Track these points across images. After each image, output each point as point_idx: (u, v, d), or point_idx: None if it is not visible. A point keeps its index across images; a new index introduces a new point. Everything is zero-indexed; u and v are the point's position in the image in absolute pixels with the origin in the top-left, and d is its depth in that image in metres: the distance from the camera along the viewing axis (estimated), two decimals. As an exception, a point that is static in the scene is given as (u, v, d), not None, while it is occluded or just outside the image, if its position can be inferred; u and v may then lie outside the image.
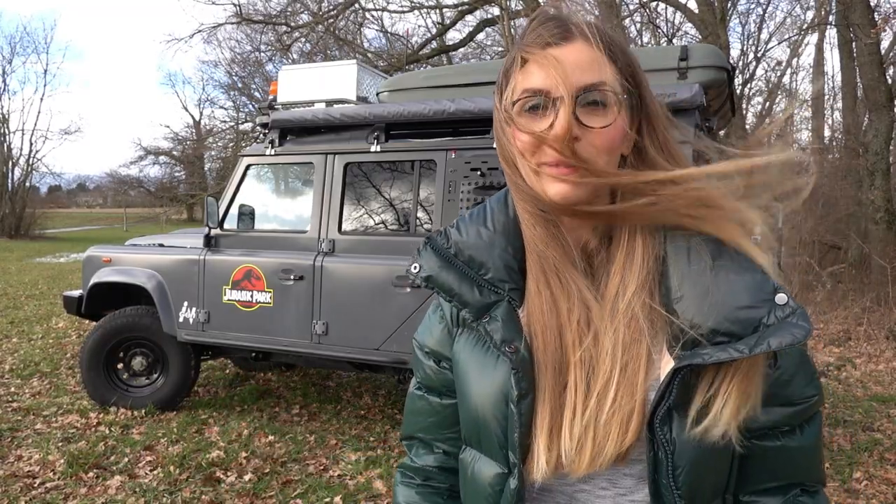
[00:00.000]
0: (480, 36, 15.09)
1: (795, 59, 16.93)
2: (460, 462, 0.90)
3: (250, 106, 23.68)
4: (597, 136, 0.72)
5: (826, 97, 15.18)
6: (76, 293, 4.91)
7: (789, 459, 0.81)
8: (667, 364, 0.74)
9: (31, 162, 27.07)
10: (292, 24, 14.58)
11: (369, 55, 15.26)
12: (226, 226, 4.31)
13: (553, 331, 0.77)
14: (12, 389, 5.14)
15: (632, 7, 12.14)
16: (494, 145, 0.83)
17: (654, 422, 0.73)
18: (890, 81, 9.36)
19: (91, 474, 3.54)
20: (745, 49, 15.54)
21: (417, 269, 0.84)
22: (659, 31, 13.16)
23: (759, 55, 15.30)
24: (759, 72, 16.38)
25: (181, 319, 4.33)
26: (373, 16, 15.81)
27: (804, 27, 14.52)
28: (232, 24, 15.18)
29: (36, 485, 3.42)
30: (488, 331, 0.79)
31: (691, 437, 0.72)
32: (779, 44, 16.77)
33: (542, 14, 0.77)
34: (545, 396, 0.76)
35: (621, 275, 0.76)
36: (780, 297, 0.71)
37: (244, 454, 3.85)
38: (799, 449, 0.80)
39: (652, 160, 0.77)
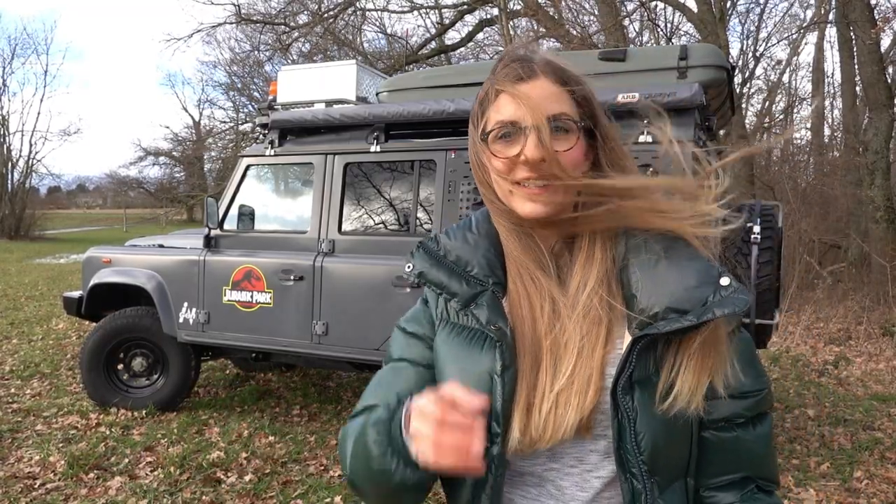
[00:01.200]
0: (479, 36, 15.07)
1: (795, 58, 16.92)
2: None
3: (250, 106, 23.66)
4: (562, 157, 0.85)
5: (825, 96, 15.17)
6: (76, 294, 4.91)
7: (745, 452, 0.90)
8: (627, 342, 0.85)
9: (30, 163, 27.06)
10: (291, 24, 14.57)
11: (369, 55, 15.25)
12: (226, 226, 4.31)
13: (528, 321, 0.88)
14: (12, 390, 5.14)
15: (631, 6, 12.14)
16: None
17: (617, 391, 0.83)
18: (890, 80, 9.36)
19: (91, 475, 3.54)
20: (744, 48, 15.54)
21: (411, 268, 0.96)
22: (658, 30, 13.16)
23: (758, 54, 15.29)
24: (759, 71, 16.36)
25: (181, 320, 4.33)
26: (372, 16, 15.82)
27: (804, 25, 14.52)
28: (231, 24, 15.17)
29: (36, 486, 3.42)
30: (475, 314, 0.89)
31: (658, 411, 0.82)
32: (778, 42, 16.77)
33: (511, 54, 0.90)
34: (523, 377, 0.86)
35: (581, 273, 0.88)
36: (724, 280, 0.83)
37: (244, 455, 3.85)
38: (753, 442, 0.90)
39: (608, 174, 0.89)
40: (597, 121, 0.89)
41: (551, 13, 11.75)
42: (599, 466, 0.87)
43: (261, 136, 4.38)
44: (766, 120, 15.77)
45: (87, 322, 6.64)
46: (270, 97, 4.43)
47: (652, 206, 0.87)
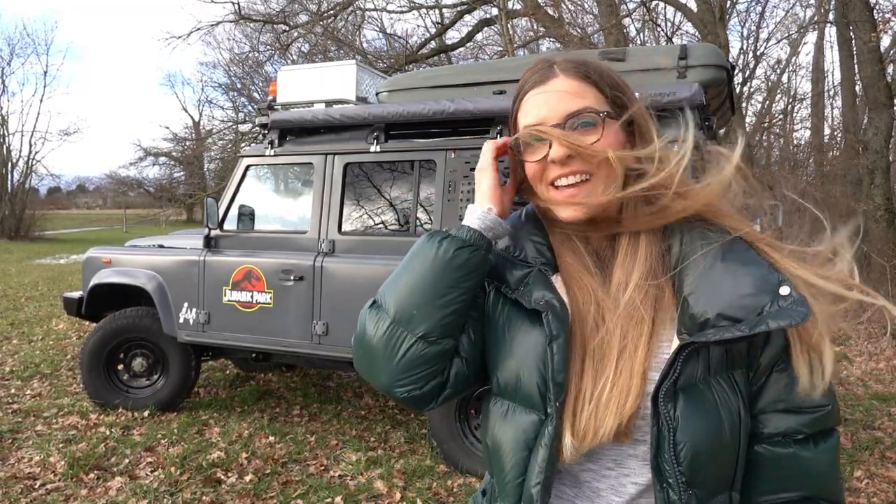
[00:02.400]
0: (479, 36, 15.06)
1: (795, 58, 16.92)
2: (490, 413, 0.95)
3: (249, 106, 23.64)
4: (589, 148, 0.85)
5: (825, 95, 15.18)
6: (76, 294, 4.91)
7: (803, 470, 0.83)
8: (675, 346, 0.82)
9: (30, 163, 27.05)
10: (291, 23, 14.56)
11: (368, 55, 15.24)
12: (225, 226, 4.30)
13: (577, 320, 0.88)
14: (13, 391, 5.14)
15: (631, 6, 12.14)
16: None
17: (659, 397, 0.79)
18: (889, 79, 9.35)
19: (92, 476, 3.54)
20: (744, 48, 15.54)
21: None
22: (658, 30, 13.16)
23: (758, 54, 15.29)
24: (759, 70, 16.37)
25: (181, 320, 4.32)
26: (371, 16, 15.81)
27: (803, 25, 14.52)
28: (230, 22, 15.17)
29: (36, 486, 3.42)
30: (524, 294, 0.89)
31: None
32: (778, 42, 16.78)
33: (535, 60, 0.94)
34: (576, 354, 0.86)
35: (622, 271, 0.87)
36: (784, 289, 0.78)
37: (245, 455, 3.85)
38: (813, 460, 0.83)
39: (648, 168, 0.88)
40: (630, 108, 0.89)
41: (551, 13, 11.74)
42: (637, 472, 0.85)
43: (261, 136, 4.38)
44: (766, 120, 15.77)
45: (87, 322, 6.64)
46: (270, 97, 4.42)
47: (704, 203, 0.86)
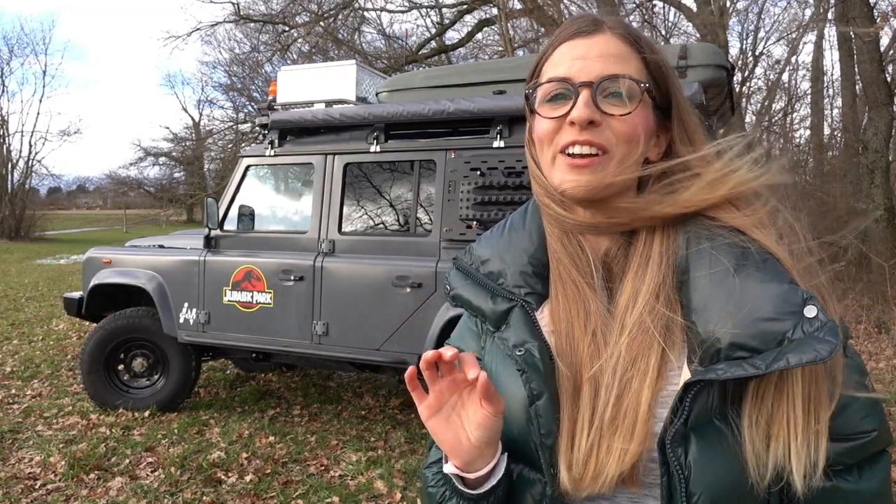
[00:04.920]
0: (479, 36, 15.08)
1: (794, 57, 16.93)
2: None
3: (250, 107, 23.67)
4: (617, 124, 0.73)
5: (825, 95, 15.19)
6: (76, 295, 4.92)
7: None
8: (683, 377, 0.70)
9: (30, 164, 27.05)
10: (291, 24, 14.57)
11: (368, 56, 15.25)
12: (226, 227, 4.31)
13: (569, 339, 0.76)
14: (13, 391, 5.14)
15: (630, 6, 12.14)
16: (527, 155, 0.85)
17: (666, 443, 0.67)
18: (889, 78, 9.36)
19: (92, 476, 3.54)
20: (743, 47, 15.55)
21: (448, 290, 0.87)
22: (657, 30, 13.16)
23: (757, 53, 15.30)
24: (759, 70, 16.38)
25: (181, 320, 4.33)
26: (372, 16, 15.83)
27: (803, 24, 14.53)
28: (230, 22, 15.19)
29: (37, 486, 3.42)
30: (503, 339, 0.79)
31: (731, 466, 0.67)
32: (777, 41, 16.79)
33: (579, 12, 0.81)
34: (565, 404, 0.74)
35: (633, 284, 0.74)
36: (809, 310, 0.65)
37: (245, 455, 3.85)
38: (858, 494, 0.70)
39: (685, 160, 0.77)
40: (672, 97, 0.77)
41: (551, 13, 11.75)
42: None
43: (261, 136, 4.38)
44: (766, 119, 15.77)
45: (87, 323, 6.64)
46: (270, 97, 4.43)
47: (714, 175, 0.74)
